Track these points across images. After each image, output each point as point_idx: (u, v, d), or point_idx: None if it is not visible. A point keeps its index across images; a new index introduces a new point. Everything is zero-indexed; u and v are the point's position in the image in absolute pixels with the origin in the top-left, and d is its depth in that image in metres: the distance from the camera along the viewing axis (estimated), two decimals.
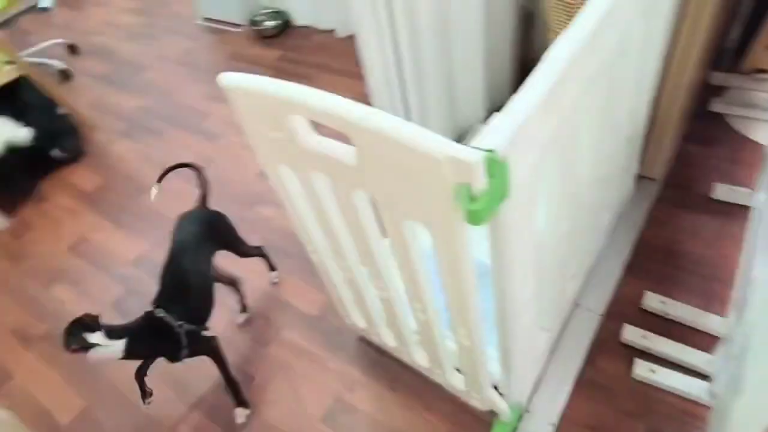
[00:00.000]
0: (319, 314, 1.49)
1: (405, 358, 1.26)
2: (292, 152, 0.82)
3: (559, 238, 0.99)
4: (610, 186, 1.31)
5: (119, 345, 1.06)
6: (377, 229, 0.88)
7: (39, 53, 2.94)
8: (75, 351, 1.03)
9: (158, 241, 1.81)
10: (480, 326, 0.85)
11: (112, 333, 1.06)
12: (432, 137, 0.58)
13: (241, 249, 1.45)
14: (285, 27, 2.74)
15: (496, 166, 0.57)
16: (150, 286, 1.67)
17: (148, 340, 1.12)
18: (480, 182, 0.57)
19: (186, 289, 1.21)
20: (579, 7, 1.41)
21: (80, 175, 2.16)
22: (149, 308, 1.15)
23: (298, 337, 1.45)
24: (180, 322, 1.15)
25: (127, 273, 1.73)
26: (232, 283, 1.48)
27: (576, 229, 1.08)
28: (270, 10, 2.77)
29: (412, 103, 1.51)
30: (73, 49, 3.03)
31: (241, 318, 1.51)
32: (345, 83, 2.28)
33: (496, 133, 0.58)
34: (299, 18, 2.75)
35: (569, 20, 1.47)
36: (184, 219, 1.35)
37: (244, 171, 2.00)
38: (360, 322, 1.29)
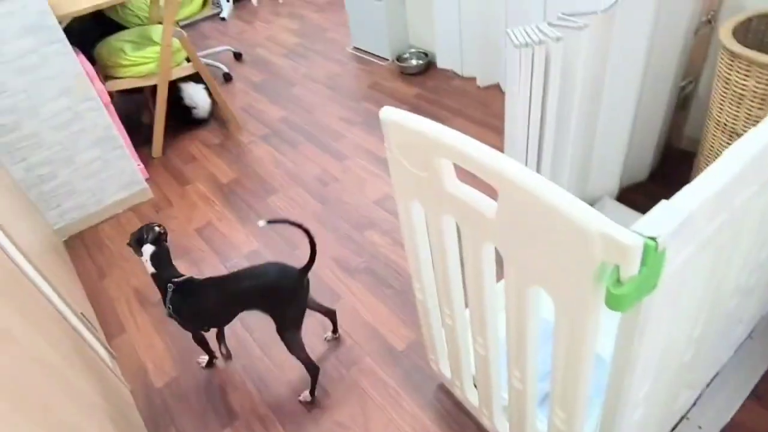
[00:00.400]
0: (405, 350, 1.48)
1: (485, 422, 1.21)
2: (430, 191, 0.84)
3: (687, 342, 0.90)
4: (754, 299, 1.17)
5: (151, 269, 1.31)
6: (495, 284, 0.87)
7: (211, 56, 3.34)
8: (129, 245, 1.35)
9: (270, 242, 1.93)
10: (583, 414, 0.80)
11: (159, 257, 1.31)
12: (588, 209, 0.56)
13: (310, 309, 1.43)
14: (428, 67, 2.85)
15: (653, 255, 0.54)
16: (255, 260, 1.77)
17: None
18: (632, 268, 0.54)
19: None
20: (752, 101, 1.32)
21: (220, 168, 2.38)
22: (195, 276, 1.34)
23: (380, 368, 1.45)
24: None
25: (239, 265, 1.86)
26: (329, 314, 1.51)
27: (707, 336, 0.98)
28: (416, 50, 2.90)
29: (544, 162, 1.48)
30: (238, 56, 3.40)
31: (329, 336, 1.54)
32: (477, 131, 2.31)
33: (660, 220, 0.55)
34: (443, 61, 2.85)
35: (738, 112, 1.37)
36: (272, 266, 1.34)
37: (362, 195, 2.08)
38: (446, 371, 1.27)
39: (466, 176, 0.76)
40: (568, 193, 0.59)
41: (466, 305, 0.98)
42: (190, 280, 1.32)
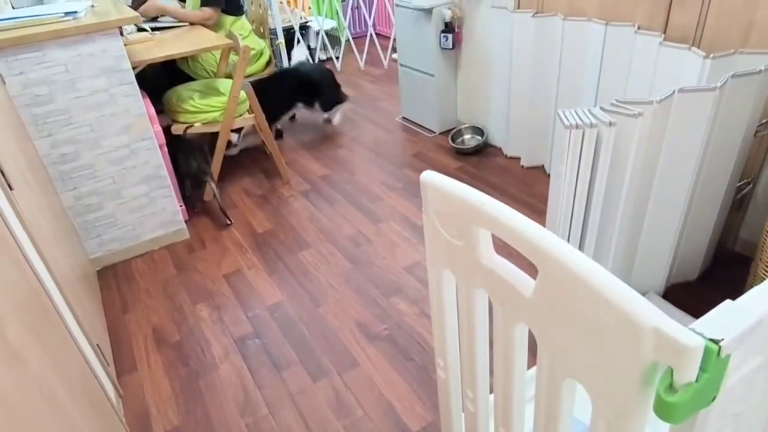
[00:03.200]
0: None
1: None
2: (464, 262, 0.80)
3: None
4: None
5: None
6: (525, 371, 0.79)
7: None
8: None
9: (295, 295, 1.90)
10: None
11: None
12: (640, 299, 0.51)
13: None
14: (484, 146, 2.87)
15: (714, 361, 0.47)
16: (272, 337, 1.73)
17: None
18: (689, 373, 0.48)
19: None
20: None
21: (257, 218, 2.41)
22: None
23: None
24: None
25: (260, 316, 1.83)
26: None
27: None
28: (468, 125, 2.94)
29: (587, 248, 1.42)
30: (292, 116, 3.55)
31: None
32: (517, 209, 2.26)
33: (724, 322, 0.49)
34: (489, 138, 2.88)
35: None
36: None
37: (392, 260, 2.04)
38: None
39: (503, 252, 0.72)
40: (618, 280, 0.54)
41: (491, 390, 0.90)
42: None
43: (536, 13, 2.33)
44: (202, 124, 2.41)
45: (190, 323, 1.83)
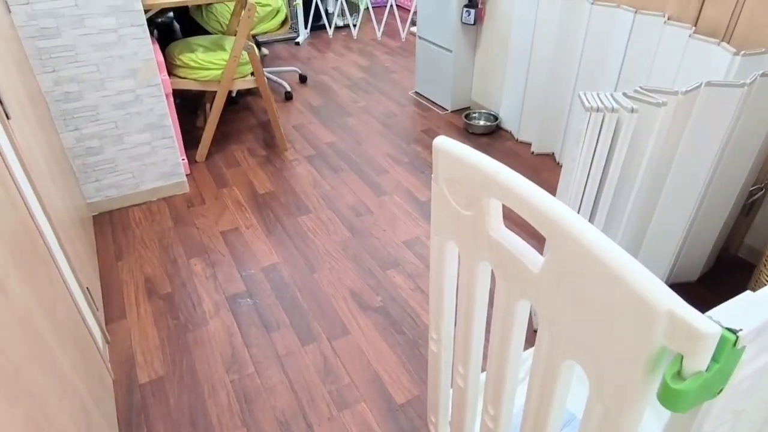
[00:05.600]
0: (405, 405, 1.37)
1: None
2: (470, 233, 0.77)
3: None
4: None
5: None
6: (522, 350, 0.77)
7: (278, 73, 3.44)
8: None
9: (291, 259, 1.88)
10: None
11: None
12: (657, 281, 0.48)
13: None
14: (495, 129, 2.82)
15: (729, 351, 0.45)
16: (264, 298, 1.71)
17: None
18: (700, 361, 0.45)
19: None
20: None
21: (259, 178, 2.38)
22: None
23: (374, 418, 1.34)
24: None
25: (254, 276, 1.81)
26: None
27: None
28: (486, 111, 2.88)
29: None
30: (303, 79, 3.49)
31: None
32: None
33: (744, 312, 0.46)
34: (501, 121, 2.82)
35: None
36: None
37: (392, 233, 2.02)
38: None
39: (510, 227, 0.69)
40: (633, 259, 0.51)
41: (484, 369, 0.88)
42: None
43: None
44: (199, 81, 2.35)
45: (183, 277, 1.81)
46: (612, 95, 1.23)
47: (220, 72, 2.34)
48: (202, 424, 1.33)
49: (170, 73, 2.36)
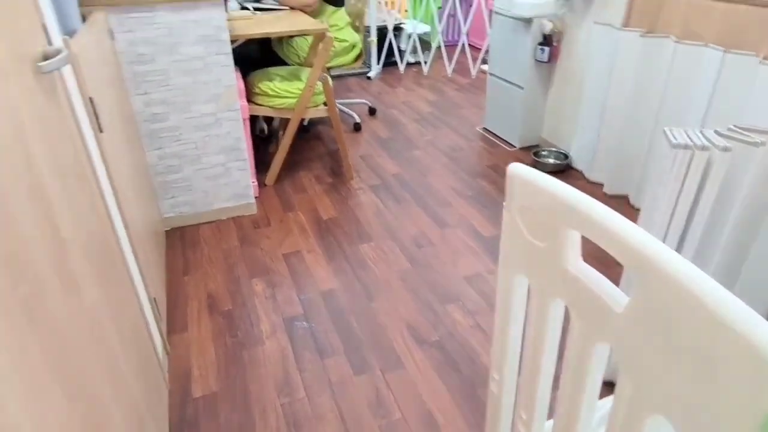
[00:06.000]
0: None
1: None
2: (543, 266, 0.72)
3: None
4: None
5: None
6: (597, 397, 0.70)
7: (348, 105, 3.54)
8: None
9: (349, 286, 1.87)
10: None
11: None
12: None
13: None
14: (565, 168, 2.73)
15: None
16: (320, 323, 1.70)
17: None
18: None
19: None
20: None
21: (324, 205, 2.42)
22: None
23: None
24: None
25: (312, 300, 1.81)
26: None
27: None
28: (557, 150, 2.81)
29: None
30: (372, 111, 3.56)
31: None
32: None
33: None
34: (572, 161, 2.73)
35: None
36: None
37: (453, 267, 1.96)
38: None
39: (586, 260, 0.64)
40: (743, 302, 0.44)
41: (550, 416, 0.81)
42: None
43: (646, 32, 2.18)
44: (274, 108, 2.44)
45: (244, 295, 1.84)
46: (702, 132, 1.14)
47: (294, 100, 2.43)
48: None
49: (249, 100, 2.49)
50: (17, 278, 0.59)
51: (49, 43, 0.97)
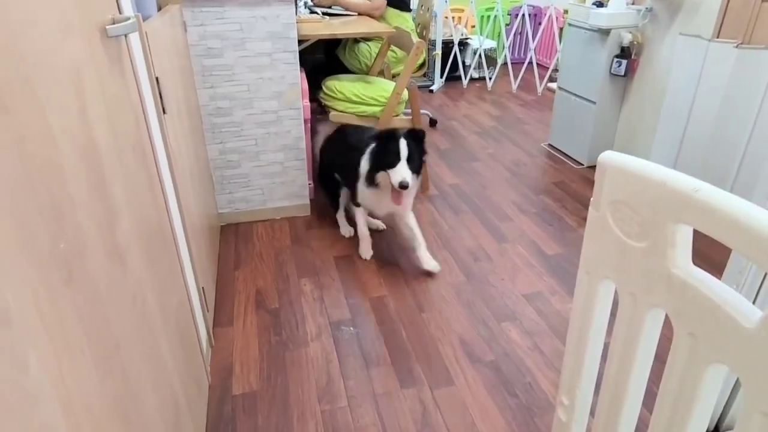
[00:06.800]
0: None
1: None
2: (638, 271, 0.60)
3: None
4: None
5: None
6: (705, 430, 0.57)
7: (408, 115, 3.48)
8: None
9: (400, 294, 1.78)
10: None
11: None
12: None
13: None
14: None
15: None
16: (368, 330, 1.62)
17: None
18: None
19: None
20: None
21: None
22: None
23: None
24: None
25: (361, 305, 1.73)
26: None
27: None
28: None
29: None
30: (433, 122, 3.50)
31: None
32: None
33: None
34: None
35: None
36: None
37: (511, 284, 1.83)
38: None
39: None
40: None
41: None
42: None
43: (740, 44, 1.99)
44: (358, 115, 2.33)
45: (292, 295, 1.79)
46: None
47: (379, 109, 2.33)
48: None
49: (326, 106, 2.43)
50: (57, 232, 0.55)
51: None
